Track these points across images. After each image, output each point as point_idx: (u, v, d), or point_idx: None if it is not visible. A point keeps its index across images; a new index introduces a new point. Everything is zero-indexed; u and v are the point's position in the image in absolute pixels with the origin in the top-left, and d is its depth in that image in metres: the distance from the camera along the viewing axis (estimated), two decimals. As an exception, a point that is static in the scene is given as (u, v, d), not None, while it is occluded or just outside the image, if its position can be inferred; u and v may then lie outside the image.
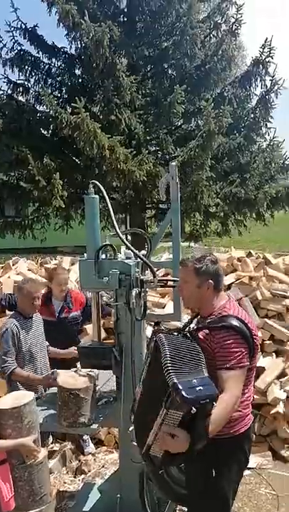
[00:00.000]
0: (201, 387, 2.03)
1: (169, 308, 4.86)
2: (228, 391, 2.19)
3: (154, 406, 2.10)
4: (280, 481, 3.92)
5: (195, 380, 2.05)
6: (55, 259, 6.86)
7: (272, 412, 4.30)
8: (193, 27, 9.97)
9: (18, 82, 10.86)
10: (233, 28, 10.37)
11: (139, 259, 3.25)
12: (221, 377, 2.22)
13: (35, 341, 3.76)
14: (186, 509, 2.62)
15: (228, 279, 5.28)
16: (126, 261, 3.24)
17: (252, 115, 10.52)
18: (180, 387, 1.99)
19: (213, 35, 10.70)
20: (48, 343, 3.98)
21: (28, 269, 6.21)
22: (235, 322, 2.33)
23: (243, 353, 2.28)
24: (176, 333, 2.42)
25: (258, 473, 3.97)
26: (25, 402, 2.58)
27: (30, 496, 2.57)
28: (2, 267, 6.37)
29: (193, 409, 1.98)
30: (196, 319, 2.62)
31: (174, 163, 3.50)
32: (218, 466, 2.34)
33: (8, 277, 5.80)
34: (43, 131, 10.89)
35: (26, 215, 11.42)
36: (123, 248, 3.46)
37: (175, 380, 2.02)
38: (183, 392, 1.98)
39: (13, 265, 6.30)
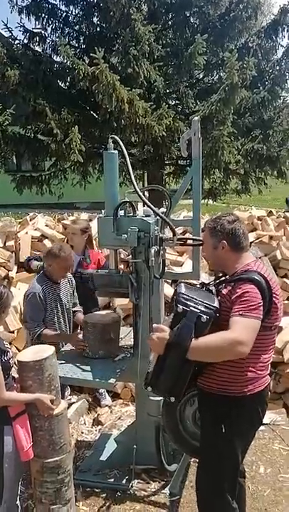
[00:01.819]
0: (200, 302, 2.26)
1: (188, 267, 4.84)
2: (230, 329, 2.21)
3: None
4: (293, 437, 4.00)
5: (198, 297, 2.28)
6: (73, 215, 6.83)
7: (288, 370, 4.32)
8: (217, -29, 9.42)
9: (35, 30, 10.50)
10: (261, -27, 9.77)
11: (158, 217, 3.21)
12: (230, 321, 2.24)
13: (60, 309, 3.71)
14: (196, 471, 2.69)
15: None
16: (145, 218, 3.20)
17: (277, 67, 10.02)
18: (180, 293, 2.31)
19: (239, -20, 10.10)
20: (78, 309, 3.94)
21: (46, 225, 6.20)
22: (254, 275, 2.33)
23: (257, 304, 2.26)
24: (198, 286, 2.57)
25: (272, 429, 4.04)
26: (47, 356, 2.61)
27: (50, 445, 2.65)
28: (20, 222, 6.37)
29: (180, 307, 2.22)
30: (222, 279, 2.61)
31: (196, 118, 3.37)
32: (230, 423, 2.37)
33: (26, 233, 5.82)
34: (60, 84, 10.61)
35: (43, 169, 11.31)
36: (141, 205, 3.41)
37: (182, 291, 2.32)
38: (179, 296, 2.28)
39: (30, 221, 6.30)
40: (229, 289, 2.39)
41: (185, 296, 2.29)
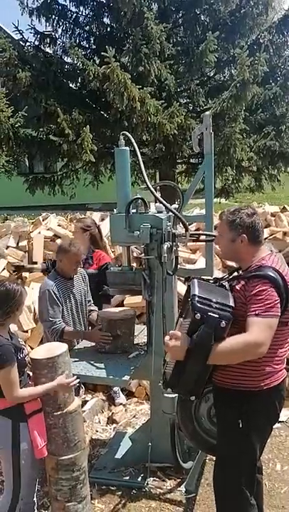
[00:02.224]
0: (217, 306, 2.18)
1: (201, 264, 4.81)
2: (248, 331, 2.18)
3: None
4: (310, 434, 3.95)
5: (215, 300, 2.19)
6: (85, 215, 6.83)
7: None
8: None
9: (46, 32, 10.59)
10: None
11: (170, 213, 3.19)
12: (247, 322, 2.21)
13: (74, 305, 3.69)
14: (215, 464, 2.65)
15: (261, 235, 5.16)
16: (157, 215, 3.18)
17: (289, 63, 9.98)
18: (196, 297, 2.18)
19: (249, -23, 10.04)
20: (93, 308, 3.91)
21: (58, 225, 6.21)
22: (270, 272, 2.28)
23: (274, 302, 2.23)
24: (211, 281, 2.51)
25: (288, 427, 3.99)
26: (60, 353, 2.62)
27: (64, 442, 2.64)
28: (32, 222, 6.40)
29: (198, 315, 2.13)
30: (235, 274, 2.58)
31: (207, 113, 3.35)
32: (247, 418, 2.34)
33: (39, 233, 5.83)
34: (71, 85, 10.67)
35: (55, 171, 11.38)
36: (154, 202, 3.39)
37: (196, 292, 2.20)
38: (195, 300, 2.17)
39: (43, 221, 6.32)
40: (243, 284, 2.35)
41: (200, 300, 2.20)
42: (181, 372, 2.25)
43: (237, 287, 2.38)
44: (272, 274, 2.27)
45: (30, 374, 2.76)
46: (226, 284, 2.47)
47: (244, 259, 2.44)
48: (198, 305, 2.17)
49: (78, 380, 2.77)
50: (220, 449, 2.52)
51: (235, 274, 2.57)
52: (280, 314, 2.24)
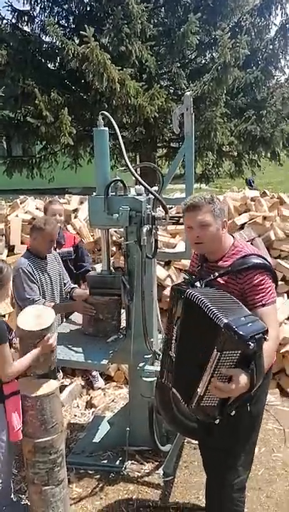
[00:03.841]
0: (251, 323, 1.98)
1: (180, 248, 4.79)
2: (270, 326, 2.12)
3: (200, 354, 2.02)
4: (287, 416, 3.99)
5: (243, 318, 2.00)
6: (64, 198, 6.73)
7: (282, 351, 4.31)
8: None
9: (23, 10, 10.28)
10: None
11: (150, 196, 3.14)
12: (258, 315, 2.15)
13: (50, 282, 3.64)
14: (198, 442, 2.64)
15: (241, 219, 5.15)
16: (137, 197, 3.12)
17: (270, 47, 9.91)
18: (234, 325, 1.91)
19: None
20: (74, 286, 3.86)
21: (36, 208, 6.10)
22: (258, 260, 2.26)
23: (273, 287, 2.26)
24: (198, 285, 2.30)
25: (266, 410, 4.02)
26: (52, 322, 2.66)
27: (42, 424, 2.61)
28: (10, 205, 6.27)
29: (251, 345, 1.91)
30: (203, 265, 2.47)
31: (188, 93, 3.28)
32: (255, 401, 2.29)
33: (16, 216, 5.72)
34: (49, 65, 10.43)
35: (34, 154, 11.17)
36: (134, 186, 3.34)
37: (226, 321, 1.93)
38: (238, 330, 1.90)
39: (20, 204, 6.19)
40: (230, 277, 2.26)
41: (240, 326, 1.93)
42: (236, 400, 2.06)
43: (223, 282, 2.28)
44: (261, 261, 2.26)
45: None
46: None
47: (221, 247, 2.35)
48: (244, 333, 1.91)
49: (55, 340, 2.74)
50: (228, 441, 2.36)
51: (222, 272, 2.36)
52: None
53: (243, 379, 1.93)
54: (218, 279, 2.30)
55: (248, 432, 2.37)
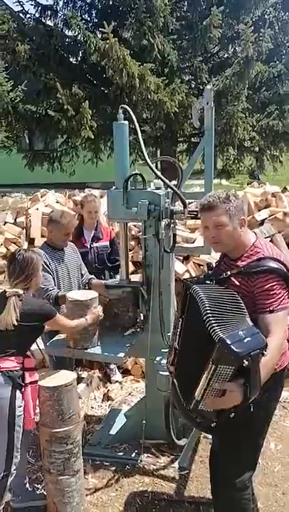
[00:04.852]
0: (249, 338, 1.93)
1: (199, 242, 4.77)
2: (274, 334, 2.09)
3: (198, 359, 2.01)
4: (304, 414, 3.96)
5: (241, 332, 1.94)
6: (84, 192, 6.77)
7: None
8: None
9: (46, 4, 10.34)
10: None
11: (169, 190, 3.13)
12: (263, 321, 2.13)
13: (67, 273, 3.68)
14: (213, 438, 2.63)
15: (261, 215, 5.11)
16: (155, 191, 3.12)
17: (294, 40, 9.78)
18: (228, 342, 1.88)
19: None
20: (92, 276, 3.89)
21: (56, 202, 6.16)
22: (274, 264, 2.20)
23: (285, 294, 2.18)
24: (208, 282, 2.29)
25: (284, 407, 4.00)
26: (96, 295, 3.14)
27: (59, 415, 2.65)
28: (30, 199, 6.34)
29: (245, 362, 1.88)
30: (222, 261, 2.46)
31: (209, 87, 3.26)
32: (258, 401, 2.28)
33: (37, 209, 5.78)
34: (71, 59, 10.46)
35: (55, 148, 11.25)
36: (153, 178, 3.33)
37: (221, 335, 1.89)
38: (233, 347, 1.86)
39: (41, 197, 6.26)
40: (244, 278, 2.22)
41: (235, 342, 1.89)
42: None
43: (236, 282, 2.25)
44: (277, 266, 2.19)
45: None
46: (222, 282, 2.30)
47: (240, 245, 2.31)
48: (239, 350, 1.86)
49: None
50: (225, 430, 2.32)
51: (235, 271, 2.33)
52: None
53: (236, 394, 1.93)
54: (232, 279, 2.26)
55: (247, 431, 2.32)
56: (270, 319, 2.12)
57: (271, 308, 2.13)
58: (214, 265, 2.49)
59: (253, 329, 1.99)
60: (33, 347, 2.87)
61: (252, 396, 1.95)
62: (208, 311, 1.99)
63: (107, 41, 7.80)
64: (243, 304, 2.09)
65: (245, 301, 2.13)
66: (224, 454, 2.42)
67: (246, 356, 1.88)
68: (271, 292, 2.15)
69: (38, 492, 3.01)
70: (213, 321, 1.95)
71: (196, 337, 2.06)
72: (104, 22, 7.88)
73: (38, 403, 2.70)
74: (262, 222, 5.07)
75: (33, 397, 2.66)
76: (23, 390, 2.63)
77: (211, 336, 1.91)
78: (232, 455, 2.36)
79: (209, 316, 1.97)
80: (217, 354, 1.90)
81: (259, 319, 2.14)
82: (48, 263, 3.54)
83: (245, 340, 1.91)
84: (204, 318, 1.98)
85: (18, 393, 2.61)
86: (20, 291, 2.70)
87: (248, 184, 5.95)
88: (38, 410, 2.75)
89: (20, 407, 2.61)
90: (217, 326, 1.94)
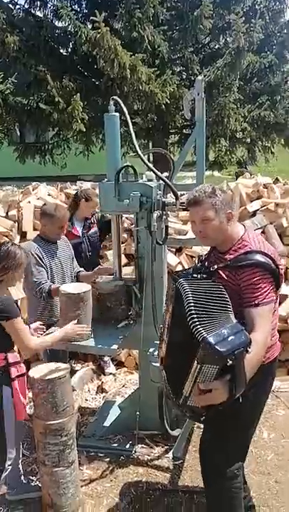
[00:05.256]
0: (232, 337, 1.93)
1: (191, 235, 4.77)
2: (259, 329, 2.10)
3: (185, 355, 2.01)
4: (297, 403, 4.01)
5: (225, 331, 1.95)
6: (76, 184, 6.73)
7: (293, 339, 4.31)
8: None
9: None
10: None
11: (160, 182, 3.13)
12: (249, 315, 2.13)
13: (60, 266, 3.67)
14: (203, 427, 2.65)
15: (253, 206, 5.11)
16: (147, 183, 3.12)
17: (285, 31, 9.78)
18: (212, 341, 1.89)
19: None
20: (80, 269, 3.90)
21: (48, 195, 6.11)
22: (260, 258, 2.20)
23: (271, 288, 2.18)
24: (196, 275, 2.28)
25: (276, 396, 4.04)
26: (90, 288, 3.10)
27: (53, 407, 2.66)
28: (22, 192, 6.29)
29: (229, 361, 1.90)
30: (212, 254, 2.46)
31: (200, 77, 3.25)
32: (246, 392, 2.29)
33: (28, 202, 5.73)
34: (61, 50, 10.37)
35: (46, 140, 11.18)
36: (145, 170, 3.32)
37: (205, 335, 1.91)
38: (216, 347, 1.87)
39: (33, 190, 6.21)
40: (231, 272, 2.23)
41: (219, 343, 1.89)
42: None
43: (223, 275, 2.26)
44: (264, 260, 2.19)
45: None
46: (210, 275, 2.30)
47: (228, 238, 2.31)
48: (222, 349, 1.87)
49: (89, 330, 3.01)
50: (215, 421, 2.34)
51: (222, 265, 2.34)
52: (275, 296, 2.21)
53: (222, 392, 1.96)
54: (220, 272, 2.27)
55: (234, 421, 2.32)
56: (255, 313, 2.13)
57: (256, 302, 2.14)
58: (204, 257, 2.49)
59: (237, 326, 1.99)
60: None
61: (237, 393, 1.98)
62: (192, 309, 2.00)
63: (99, 30, 7.73)
64: (228, 300, 2.09)
65: (232, 294, 2.13)
66: (211, 442, 2.45)
67: (230, 355, 1.90)
68: (257, 286, 2.15)
69: (32, 484, 3.03)
70: (196, 320, 1.96)
71: (183, 332, 2.05)
72: (96, 11, 7.80)
73: (31, 395, 2.71)
74: (254, 214, 5.08)
75: (22, 389, 2.67)
76: (11, 385, 2.64)
77: (195, 335, 1.93)
78: (219, 443, 2.39)
79: (193, 315, 1.98)
80: (201, 353, 1.91)
81: (245, 313, 2.15)
82: (41, 256, 3.53)
83: (229, 339, 1.92)
84: (188, 316, 1.99)
85: (5, 388, 2.62)
86: None
87: (235, 174, 5.96)
88: (31, 403, 2.76)
89: (8, 401, 2.62)
90: (200, 325, 1.95)
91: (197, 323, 1.95)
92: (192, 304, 2.02)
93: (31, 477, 3.11)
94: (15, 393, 2.63)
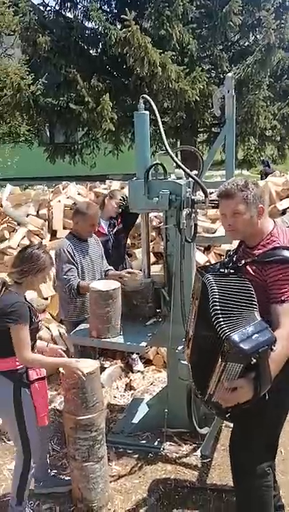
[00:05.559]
0: (256, 335, 1.92)
1: (220, 233, 4.76)
2: (283, 326, 2.08)
3: (210, 352, 2.02)
4: None
5: (249, 328, 1.94)
6: (104, 183, 6.79)
7: None
8: None
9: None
10: None
11: (190, 179, 3.13)
12: (275, 312, 2.12)
13: (91, 264, 3.71)
14: (232, 425, 2.64)
15: (283, 204, 5.06)
16: (176, 181, 3.12)
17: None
18: (236, 339, 1.88)
19: None
20: (110, 267, 3.95)
21: (78, 194, 6.20)
22: (287, 254, 2.17)
23: None
24: (222, 270, 2.28)
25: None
26: (119, 285, 3.13)
27: (83, 402, 2.69)
28: (52, 191, 6.39)
29: (254, 360, 1.90)
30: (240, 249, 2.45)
31: (230, 74, 3.24)
32: (271, 388, 2.27)
33: (59, 201, 5.83)
34: (91, 51, 10.45)
35: (76, 140, 11.29)
36: (174, 169, 3.33)
37: (229, 333, 1.91)
38: (241, 345, 1.87)
39: (63, 189, 6.31)
40: (257, 267, 2.21)
41: (244, 341, 1.89)
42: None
43: (250, 271, 2.24)
44: None
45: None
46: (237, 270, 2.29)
47: (257, 233, 2.29)
48: (246, 348, 1.87)
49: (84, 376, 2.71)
50: (242, 419, 2.33)
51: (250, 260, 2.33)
52: None
53: (246, 390, 1.95)
54: (247, 267, 2.25)
55: (259, 419, 2.30)
56: (281, 310, 2.11)
57: (283, 299, 2.12)
58: (232, 252, 2.47)
59: (262, 324, 1.98)
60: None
61: (262, 391, 1.96)
62: (217, 306, 2.00)
63: (129, 29, 7.75)
64: (254, 296, 2.07)
65: (258, 290, 2.12)
66: (237, 440, 2.44)
67: (254, 354, 1.89)
68: (283, 282, 2.13)
69: (61, 477, 3.07)
70: (220, 317, 1.96)
71: (208, 327, 2.05)
72: (126, 10, 7.82)
73: (62, 391, 2.73)
74: (284, 212, 5.03)
75: (42, 392, 2.65)
76: (29, 387, 2.61)
77: (219, 333, 1.92)
78: (244, 442, 2.38)
79: (218, 311, 1.98)
80: (225, 351, 1.91)
81: (271, 309, 2.13)
82: (72, 254, 3.58)
83: (253, 337, 1.91)
84: (212, 313, 1.98)
85: (23, 391, 2.59)
86: (7, 279, 2.65)
87: (260, 173, 5.87)
88: (62, 399, 2.79)
89: (28, 404, 2.59)
90: (224, 322, 1.94)
91: (221, 320, 1.95)
92: (217, 301, 2.02)
93: (62, 471, 3.16)
94: (34, 396, 2.60)
